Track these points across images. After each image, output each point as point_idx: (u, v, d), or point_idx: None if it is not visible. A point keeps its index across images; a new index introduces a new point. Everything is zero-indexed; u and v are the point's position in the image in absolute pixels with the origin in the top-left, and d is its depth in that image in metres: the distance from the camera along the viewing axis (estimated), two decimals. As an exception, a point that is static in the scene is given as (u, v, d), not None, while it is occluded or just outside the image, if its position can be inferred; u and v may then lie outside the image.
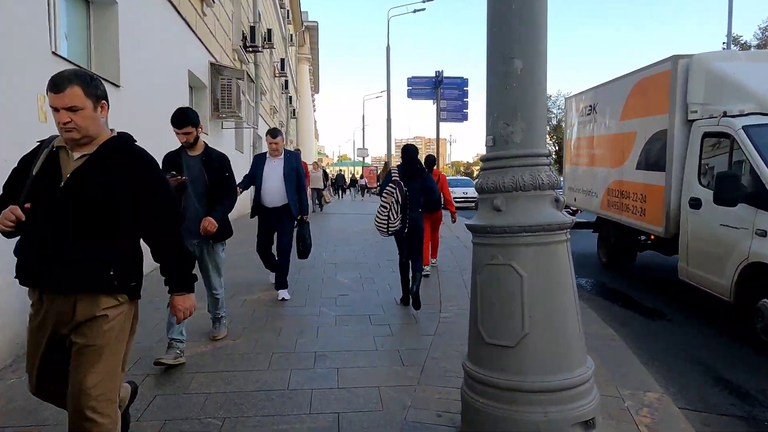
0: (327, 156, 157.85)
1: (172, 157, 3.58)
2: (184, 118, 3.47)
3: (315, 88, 66.46)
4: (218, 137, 10.60)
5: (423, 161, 5.71)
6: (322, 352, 3.65)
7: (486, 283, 2.26)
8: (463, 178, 24.57)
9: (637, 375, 3.29)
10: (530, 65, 2.15)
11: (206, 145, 3.74)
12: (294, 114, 33.65)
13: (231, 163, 3.90)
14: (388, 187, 4.55)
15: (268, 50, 18.86)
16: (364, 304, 4.98)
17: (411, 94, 12.97)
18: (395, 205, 4.48)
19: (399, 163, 4.97)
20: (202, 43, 9.05)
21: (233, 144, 12.45)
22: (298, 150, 16.22)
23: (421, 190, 4.76)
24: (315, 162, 13.29)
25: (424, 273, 5.41)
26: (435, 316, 4.56)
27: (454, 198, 19.34)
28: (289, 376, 3.21)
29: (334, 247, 8.48)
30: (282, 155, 5.06)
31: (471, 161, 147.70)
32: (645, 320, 5.06)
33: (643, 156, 6.11)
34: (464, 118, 13.09)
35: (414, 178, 4.69)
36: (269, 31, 17.48)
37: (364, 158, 50.52)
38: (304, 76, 45.85)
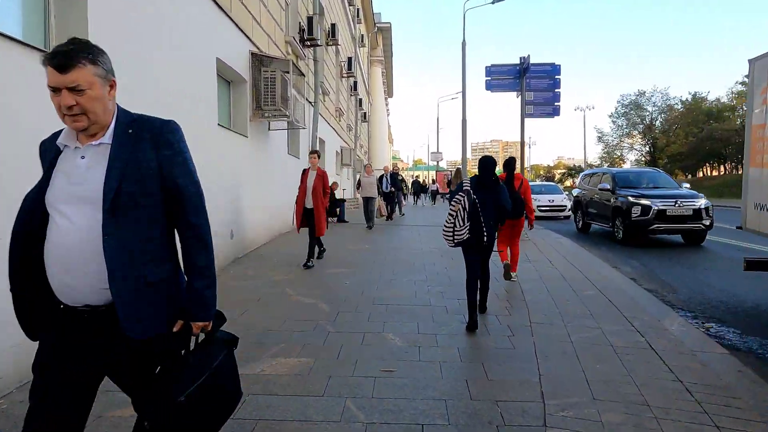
0: (402, 161, 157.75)
1: None
2: None
3: (388, 92, 65.46)
4: (263, 140, 9.20)
5: (502, 165, 5.97)
6: None
7: None
8: (549, 184, 22.37)
9: None
10: None
11: None
12: (365, 117, 32.42)
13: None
14: (458, 195, 4.50)
15: (333, 47, 17.53)
16: (416, 393, 3.14)
17: (490, 86, 10.91)
18: (462, 212, 4.42)
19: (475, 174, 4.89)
20: (239, 28, 7.66)
21: (285, 148, 11.07)
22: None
23: (495, 205, 4.62)
24: (367, 164, 11.97)
25: (513, 279, 6.30)
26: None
27: (538, 206, 16.52)
28: None
29: (392, 277, 6.68)
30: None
31: (552, 164, 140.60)
32: None
33: None
34: (555, 112, 10.83)
35: (487, 191, 4.59)
36: (333, 26, 16.12)
37: (438, 162, 48.60)
38: (376, 79, 44.74)
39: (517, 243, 6.56)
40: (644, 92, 55.57)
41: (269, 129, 9.51)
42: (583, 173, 15.12)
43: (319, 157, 8.07)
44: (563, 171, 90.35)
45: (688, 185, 11.73)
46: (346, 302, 5.29)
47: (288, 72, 8.37)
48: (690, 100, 53.80)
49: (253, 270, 6.87)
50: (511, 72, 10.77)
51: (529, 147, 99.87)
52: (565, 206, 18.45)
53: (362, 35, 30.47)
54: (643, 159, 63.79)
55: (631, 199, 10.68)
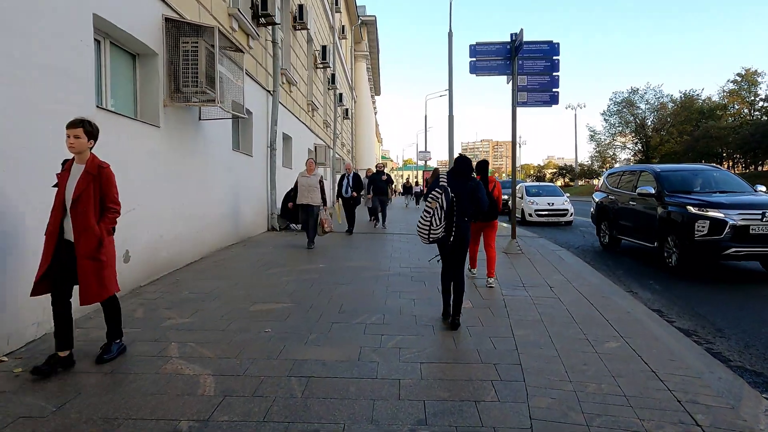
0: (392, 160, 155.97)
1: None
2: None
3: (375, 90, 63.59)
4: (189, 132, 7.31)
5: (475, 168, 5.88)
6: None
7: None
8: (547, 184, 19.66)
9: None
10: None
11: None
12: (347, 114, 30.55)
13: None
14: (434, 192, 4.39)
15: (303, 33, 15.65)
16: None
17: (475, 69, 9.08)
18: (439, 211, 4.33)
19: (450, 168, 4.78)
20: (141, -18, 5.78)
21: (228, 142, 9.16)
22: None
23: (471, 199, 4.53)
24: (309, 159, 8.83)
25: (489, 285, 6.15)
26: None
27: (536, 210, 16.32)
28: None
29: (335, 319, 4.83)
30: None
31: (542, 164, 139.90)
32: None
33: None
34: (554, 100, 9.03)
35: (464, 186, 4.50)
36: (301, 7, 14.24)
37: (426, 162, 46.89)
38: (361, 75, 42.86)
39: (493, 246, 6.48)
40: (637, 89, 54.35)
41: (201, 118, 7.61)
42: (608, 172, 11.72)
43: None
44: (554, 170, 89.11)
45: (764, 188, 8.47)
46: (247, 375, 3.43)
47: (213, 45, 6.48)
48: (683, 97, 52.57)
49: (146, 307, 5.00)
50: (500, 52, 8.95)
51: (519, 146, 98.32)
52: (567, 210, 16.43)
53: (343, 26, 28.58)
54: (635, 158, 62.56)
55: (692, 209, 7.48)
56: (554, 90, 9.04)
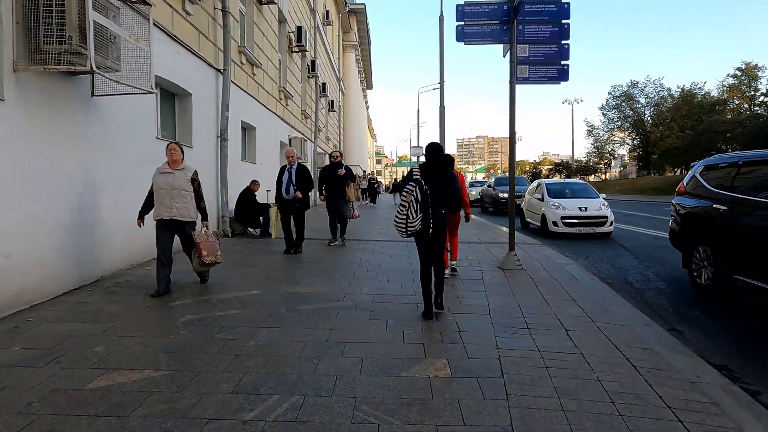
0: (386, 156, 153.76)
1: None
2: None
3: (367, 83, 61.54)
4: (76, 110, 5.37)
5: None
6: None
7: None
8: (576, 182, 15.53)
9: None
10: None
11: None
12: (333, 106, 28.58)
13: None
14: (408, 186, 4.39)
15: (270, 6, 13.68)
16: None
17: (463, 36, 7.15)
18: (414, 204, 4.34)
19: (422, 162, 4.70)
20: None
21: (146, 129, 7.18)
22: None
23: (445, 191, 4.53)
24: (172, 144, 5.95)
25: (452, 269, 6.48)
26: None
27: (563, 218, 11.87)
28: None
29: (252, 389, 2.97)
30: None
31: (537, 160, 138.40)
32: None
33: None
34: (563, 76, 7.13)
35: (437, 179, 4.48)
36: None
37: (419, 157, 45.01)
38: (350, 66, 40.82)
39: (456, 234, 6.65)
40: (637, 83, 52.52)
41: (93, 94, 5.65)
42: (706, 162, 7.06)
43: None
44: (550, 167, 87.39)
45: None
46: None
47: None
48: (681, 92, 50.81)
49: None
50: (495, 14, 7.04)
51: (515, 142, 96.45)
52: (606, 218, 11.80)
53: (327, 11, 26.58)
54: (634, 154, 60.79)
55: None
56: (563, 63, 7.16)
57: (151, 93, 5.69)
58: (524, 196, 15.48)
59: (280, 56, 16.01)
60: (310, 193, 8.59)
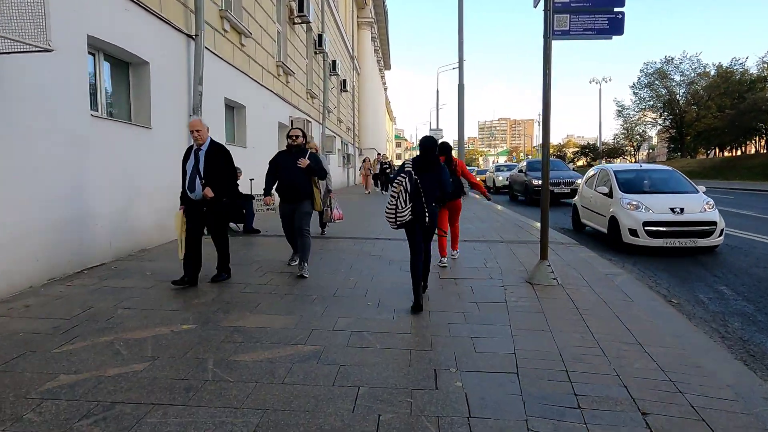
0: (406, 140, 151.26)
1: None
2: None
3: (385, 64, 59.33)
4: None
5: (439, 149, 5.28)
6: None
7: None
8: (658, 168, 10.64)
9: None
10: None
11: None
12: (345, 86, 26.86)
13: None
14: (399, 177, 4.43)
15: (261, -31, 12.00)
16: None
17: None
18: (404, 194, 4.36)
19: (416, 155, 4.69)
20: None
21: (70, 101, 5.65)
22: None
23: (436, 184, 4.54)
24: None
25: (442, 264, 6.18)
26: None
27: (649, 222, 8.06)
28: None
29: None
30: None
31: (561, 143, 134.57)
32: None
33: None
34: (615, 28, 5.35)
35: (429, 171, 4.51)
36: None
37: (437, 141, 42.99)
38: (366, 45, 38.85)
39: (457, 223, 6.63)
40: (672, 59, 49.06)
41: (-25, 54, 4.16)
42: None
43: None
44: (575, 150, 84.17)
45: None
46: None
47: None
48: (719, 68, 47.36)
49: None
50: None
51: (538, 125, 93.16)
52: (714, 223, 7.94)
53: (338, -17, 24.67)
54: (665, 135, 57.49)
55: None
56: (617, 10, 5.38)
57: (47, 51, 4.14)
58: (576, 186, 12.58)
59: (279, 27, 14.36)
60: (274, 192, 5.81)
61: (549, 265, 5.50)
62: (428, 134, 4.82)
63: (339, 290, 5.10)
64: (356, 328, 3.93)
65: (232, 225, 9.06)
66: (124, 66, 6.99)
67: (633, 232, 8.06)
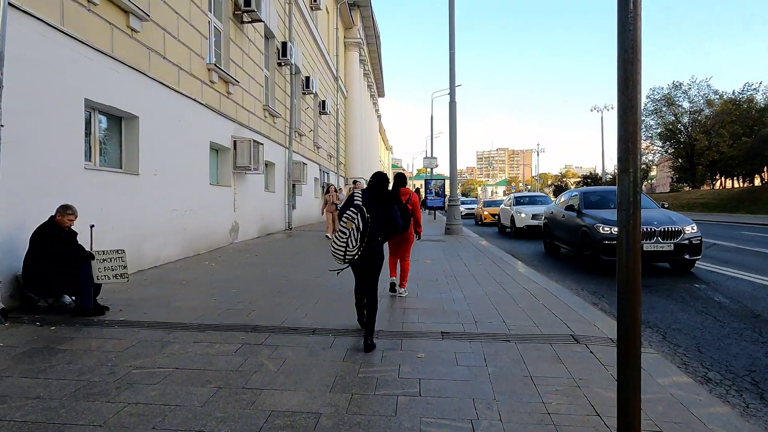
0: (404, 170, 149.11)
1: None
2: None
3: (378, 91, 56.79)
4: None
5: (393, 179, 5.74)
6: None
7: None
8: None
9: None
10: None
11: None
12: (324, 108, 23.70)
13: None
14: (349, 212, 4.22)
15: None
16: None
17: None
18: (355, 232, 4.17)
19: (366, 186, 4.65)
20: None
21: None
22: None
23: (386, 220, 4.46)
24: None
25: (400, 294, 6.23)
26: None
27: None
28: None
29: None
30: None
31: (559, 173, 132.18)
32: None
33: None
34: None
35: (380, 206, 4.38)
36: None
37: (432, 169, 40.09)
38: (353, 66, 36.00)
39: (407, 258, 6.46)
40: (680, 84, 46.37)
41: None
42: None
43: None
44: (577, 180, 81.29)
45: None
46: None
47: None
48: (720, 97, 44.68)
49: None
50: None
51: (537, 155, 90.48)
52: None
53: (316, -7, 21.70)
54: (675, 164, 54.39)
55: None
56: None
57: None
58: (685, 242, 8.78)
59: (213, 20, 11.15)
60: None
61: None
62: (380, 170, 4.74)
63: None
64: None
65: (66, 298, 5.53)
66: None
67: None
